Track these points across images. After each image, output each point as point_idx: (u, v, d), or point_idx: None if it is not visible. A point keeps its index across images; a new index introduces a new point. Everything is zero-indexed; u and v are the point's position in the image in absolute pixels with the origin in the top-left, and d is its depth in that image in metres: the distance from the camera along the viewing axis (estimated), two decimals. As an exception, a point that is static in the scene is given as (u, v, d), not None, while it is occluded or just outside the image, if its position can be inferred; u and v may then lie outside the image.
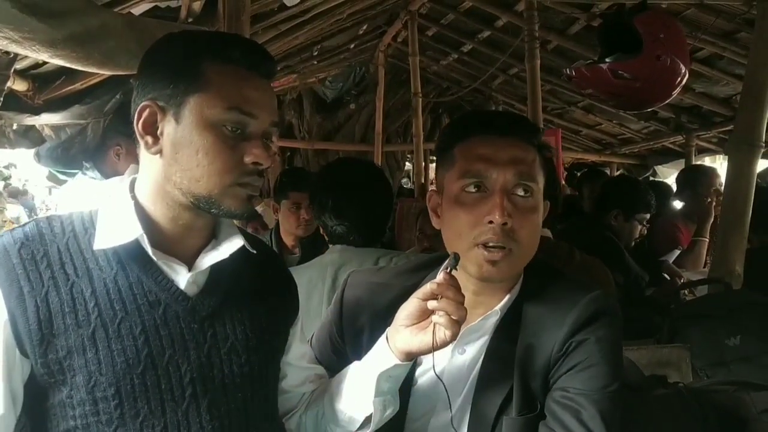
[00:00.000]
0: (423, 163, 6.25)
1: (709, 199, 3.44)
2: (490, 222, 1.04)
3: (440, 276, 0.99)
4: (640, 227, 3.07)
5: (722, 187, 3.51)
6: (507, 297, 1.12)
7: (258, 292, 1.08)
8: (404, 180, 8.78)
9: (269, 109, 1.00)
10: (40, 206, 9.11)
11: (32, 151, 2.73)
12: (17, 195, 10.26)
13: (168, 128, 0.95)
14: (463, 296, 0.98)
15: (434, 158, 8.05)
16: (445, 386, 1.07)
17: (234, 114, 0.95)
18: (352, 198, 1.78)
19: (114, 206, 1.00)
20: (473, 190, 1.07)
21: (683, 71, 3.04)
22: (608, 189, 3.16)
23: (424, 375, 1.13)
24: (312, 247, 2.75)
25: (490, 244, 1.04)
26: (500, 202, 1.04)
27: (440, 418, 1.12)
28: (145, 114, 0.96)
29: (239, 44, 0.99)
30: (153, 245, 0.96)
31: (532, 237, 1.08)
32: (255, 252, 1.07)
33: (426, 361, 1.11)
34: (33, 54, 1.47)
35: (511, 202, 1.05)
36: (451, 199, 1.10)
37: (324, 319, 1.31)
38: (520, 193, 1.07)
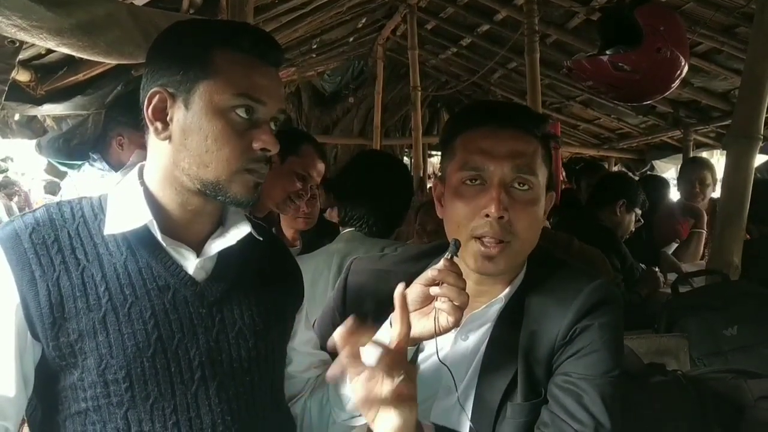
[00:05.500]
0: (421, 157, 6.25)
1: (696, 190, 3.49)
2: (487, 215, 1.04)
3: (441, 262, 1.00)
4: (634, 222, 3.12)
5: (709, 179, 3.57)
6: (510, 286, 1.13)
7: (264, 278, 1.10)
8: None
9: (277, 96, 1.01)
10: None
11: (33, 142, 2.73)
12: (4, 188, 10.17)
13: (177, 114, 0.96)
14: (465, 282, 0.99)
15: (432, 153, 8.09)
16: (449, 368, 1.08)
17: (243, 100, 0.96)
18: (376, 187, 1.84)
19: (123, 192, 1.01)
20: (472, 183, 1.08)
21: (683, 64, 3.05)
22: (611, 181, 3.21)
23: (426, 361, 1.14)
24: (312, 240, 2.76)
25: (487, 238, 1.05)
26: (497, 195, 1.04)
27: (442, 403, 1.13)
28: (155, 100, 0.97)
29: (248, 33, 1.00)
30: (162, 231, 0.98)
31: (531, 229, 1.08)
32: (261, 239, 1.08)
33: (428, 347, 1.12)
34: (40, 42, 1.48)
35: (509, 195, 1.06)
36: (451, 190, 1.11)
37: (326, 306, 1.32)
38: (519, 185, 1.07)
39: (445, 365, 1.08)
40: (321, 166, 2.16)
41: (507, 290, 1.13)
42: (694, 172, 3.67)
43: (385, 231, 1.85)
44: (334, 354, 1.22)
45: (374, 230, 1.83)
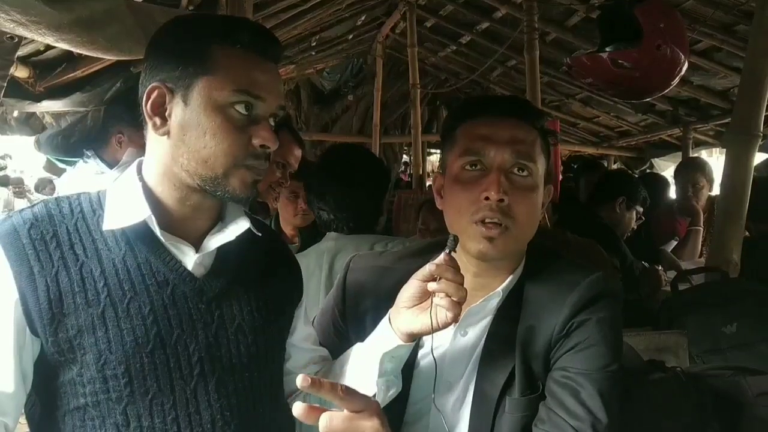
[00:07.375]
0: (421, 155, 6.24)
1: (690, 194, 3.50)
2: (486, 198, 1.05)
3: (439, 258, 0.99)
4: (635, 219, 3.11)
5: (702, 181, 3.57)
6: (509, 279, 1.13)
7: (263, 274, 1.10)
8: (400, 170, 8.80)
9: (276, 92, 1.01)
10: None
11: (32, 139, 2.73)
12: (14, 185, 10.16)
13: (176, 110, 0.96)
14: (463, 277, 0.99)
15: (431, 151, 8.09)
16: (436, 369, 1.08)
17: (242, 96, 0.96)
18: (336, 184, 1.79)
19: (122, 188, 1.01)
20: (472, 168, 1.09)
21: (683, 61, 3.05)
22: (612, 178, 3.21)
23: (426, 357, 1.14)
24: (311, 236, 2.76)
25: (487, 220, 1.05)
26: (496, 179, 1.05)
27: (441, 399, 1.13)
28: (154, 95, 0.97)
29: (247, 28, 1.00)
30: (161, 227, 0.97)
31: (529, 215, 1.09)
32: (260, 235, 1.08)
33: (428, 343, 1.12)
34: (39, 37, 1.47)
35: (509, 180, 1.07)
36: (451, 177, 1.12)
37: (325, 303, 1.32)
38: (518, 172, 1.08)
39: (436, 363, 1.08)
40: (298, 152, 2.15)
41: (505, 284, 1.13)
42: (686, 176, 3.66)
43: (367, 225, 1.82)
44: (332, 352, 1.23)
45: (355, 228, 1.80)
